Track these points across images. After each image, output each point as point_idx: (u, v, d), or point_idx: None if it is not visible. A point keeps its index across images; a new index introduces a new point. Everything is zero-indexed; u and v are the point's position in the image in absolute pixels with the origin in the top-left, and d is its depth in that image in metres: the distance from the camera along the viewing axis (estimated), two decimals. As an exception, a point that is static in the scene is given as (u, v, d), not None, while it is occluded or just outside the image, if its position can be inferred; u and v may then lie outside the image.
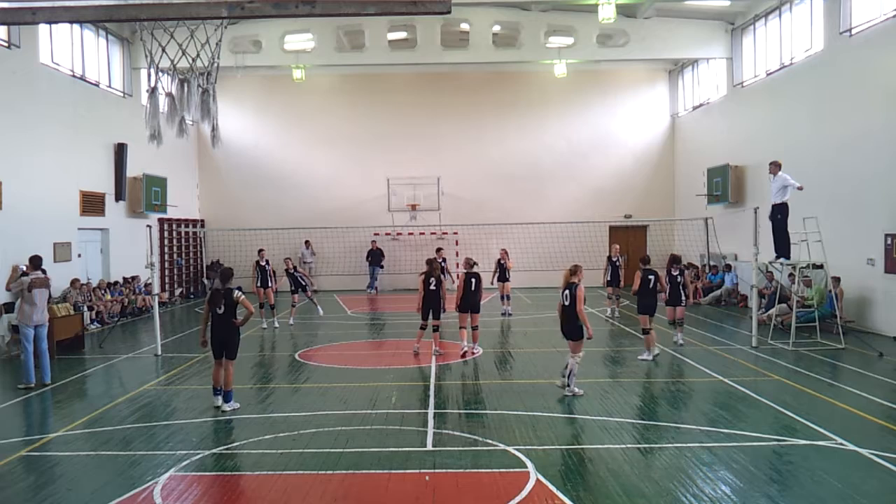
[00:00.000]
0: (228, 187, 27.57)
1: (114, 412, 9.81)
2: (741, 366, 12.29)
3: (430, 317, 13.35)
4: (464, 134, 27.39)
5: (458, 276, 14.41)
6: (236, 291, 9.77)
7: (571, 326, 10.22)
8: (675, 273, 14.07)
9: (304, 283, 18.12)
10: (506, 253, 19.02)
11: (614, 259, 17.89)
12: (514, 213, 25.43)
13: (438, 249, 18.76)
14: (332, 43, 22.95)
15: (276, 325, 17.68)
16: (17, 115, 16.33)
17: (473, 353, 13.23)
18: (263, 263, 17.75)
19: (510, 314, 18.73)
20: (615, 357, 13.16)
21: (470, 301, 13.25)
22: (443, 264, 19.10)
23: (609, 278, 17.85)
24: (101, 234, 20.51)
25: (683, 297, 14.02)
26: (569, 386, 10.16)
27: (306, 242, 26.19)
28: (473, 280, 13.30)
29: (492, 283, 18.69)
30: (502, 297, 18.96)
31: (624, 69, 26.93)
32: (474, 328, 13.37)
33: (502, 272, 18.77)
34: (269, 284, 17.79)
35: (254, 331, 16.72)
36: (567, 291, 10.22)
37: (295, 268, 18.15)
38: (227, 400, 9.77)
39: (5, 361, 13.70)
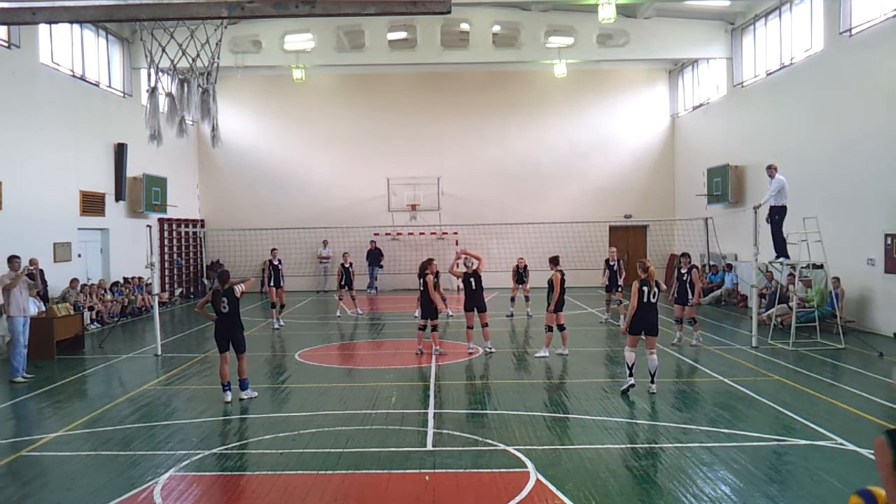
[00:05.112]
0: (228, 187, 27.58)
1: (114, 412, 9.81)
2: (741, 366, 12.28)
3: (428, 317, 13.45)
4: (464, 134, 27.39)
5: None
6: (237, 287, 10.27)
7: (656, 320, 10.28)
8: (683, 271, 14.04)
9: (351, 281, 19.70)
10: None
11: (612, 263, 17.36)
12: (514, 213, 25.45)
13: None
14: (332, 43, 22.95)
15: (282, 323, 17.73)
16: (17, 115, 16.34)
17: (488, 352, 13.43)
18: (276, 263, 17.74)
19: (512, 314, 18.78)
20: (615, 357, 13.14)
21: (474, 300, 13.50)
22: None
23: (607, 283, 17.48)
24: (101, 234, 20.51)
25: (690, 297, 13.91)
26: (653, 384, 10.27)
27: (324, 242, 26.35)
28: (473, 280, 13.49)
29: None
30: (513, 299, 19.06)
31: (624, 69, 26.93)
32: (484, 326, 13.61)
33: (519, 275, 18.72)
34: (282, 284, 17.77)
35: (259, 328, 16.73)
36: (657, 289, 10.16)
37: (351, 263, 19.72)
38: (243, 388, 10.31)
39: (5, 361, 13.69)
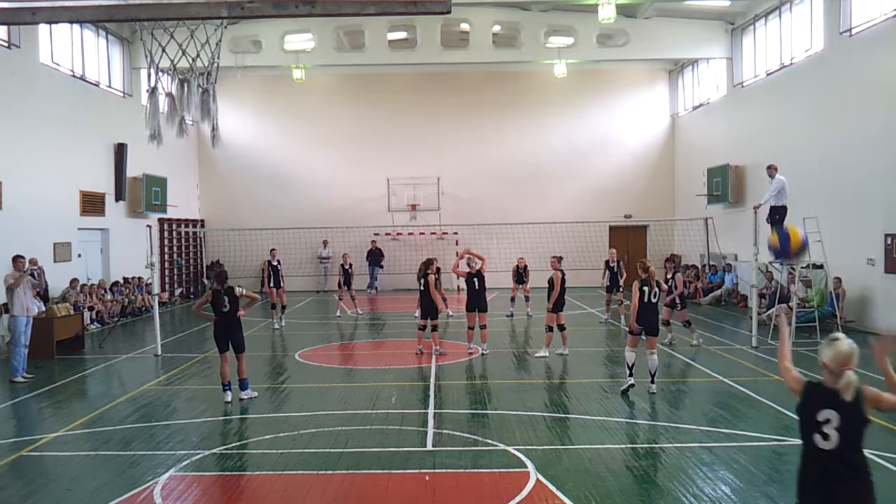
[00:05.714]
0: (228, 187, 27.56)
1: (114, 412, 9.81)
2: (741, 366, 12.28)
3: (428, 317, 13.44)
4: (464, 134, 27.38)
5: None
6: (237, 288, 10.26)
7: (657, 320, 10.30)
8: (668, 276, 14.02)
9: (350, 281, 19.74)
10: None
11: (612, 264, 17.37)
12: (514, 213, 25.44)
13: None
14: (332, 43, 22.96)
15: (283, 323, 17.63)
16: (17, 115, 16.33)
17: (483, 354, 13.35)
18: (276, 263, 17.58)
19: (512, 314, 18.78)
20: (615, 357, 13.14)
21: (476, 300, 13.51)
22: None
23: (608, 283, 17.44)
24: (101, 234, 20.51)
25: (677, 300, 13.83)
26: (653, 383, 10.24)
27: (324, 242, 26.36)
28: (476, 280, 13.48)
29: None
30: (513, 299, 19.06)
31: (624, 69, 26.92)
32: (482, 327, 13.54)
33: (519, 276, 18.72)
34: (282, 284, 17.58)
35: (259, 328, 16.73)
36: (657, 289, 10.16)
37: (351, 265, 19.77)
38: (243, 388, 10.28)
39: (5, 361, 13.69)
